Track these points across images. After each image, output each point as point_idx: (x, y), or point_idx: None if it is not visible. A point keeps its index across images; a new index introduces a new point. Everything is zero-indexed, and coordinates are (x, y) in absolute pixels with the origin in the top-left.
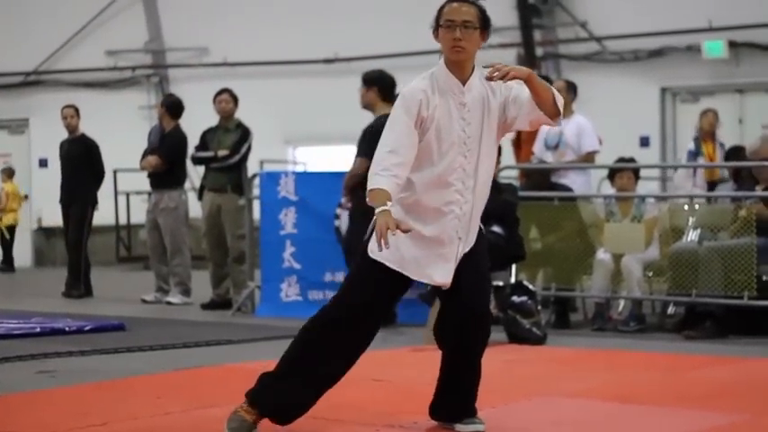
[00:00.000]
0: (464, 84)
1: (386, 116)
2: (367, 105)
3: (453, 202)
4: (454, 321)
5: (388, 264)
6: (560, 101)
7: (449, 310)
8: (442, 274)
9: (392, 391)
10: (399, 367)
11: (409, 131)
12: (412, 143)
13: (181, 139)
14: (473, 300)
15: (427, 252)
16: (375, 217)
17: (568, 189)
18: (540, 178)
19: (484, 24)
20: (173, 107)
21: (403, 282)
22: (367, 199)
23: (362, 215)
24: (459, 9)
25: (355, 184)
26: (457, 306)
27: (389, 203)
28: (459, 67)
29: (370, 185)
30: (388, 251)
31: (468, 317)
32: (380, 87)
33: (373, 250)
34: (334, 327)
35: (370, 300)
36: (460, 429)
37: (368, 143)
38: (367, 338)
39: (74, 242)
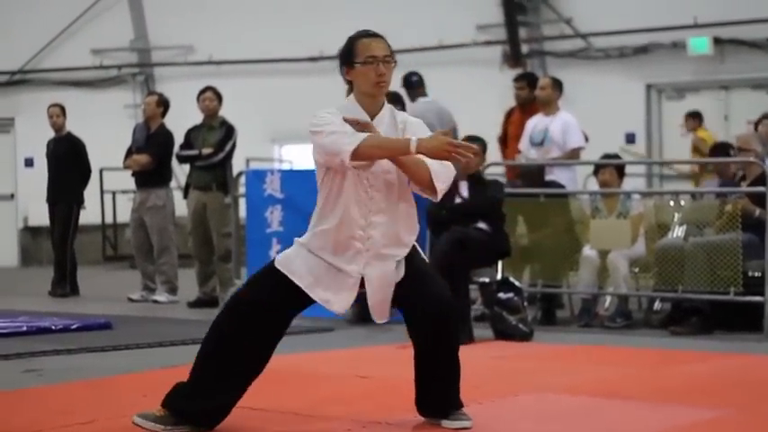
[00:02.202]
0: (373, 118)
1: None
2: None
3: (356, 238)
4: (423, 320)
5: (290, 276)
6: (440, 181)
7: (415, 311)
8: (339, 302)
9: (378, 387)
10: (385, 364)
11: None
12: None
13: (168, 137)
14: (435, 295)
15: (330, 278)
16: (421, 144)
17: (560, 186)
18: (535, 176)
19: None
20: (167, 104)
21: (301, 298)
22: (356, 153)
23: None
24: (377, 45)
25: None
26: (423, 306)
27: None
28: (374, 102)
29: (355, 143)
30: (296, 267)
31: (435, 312)
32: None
33: (280, 263)
34: (228, 324)
35: (265, 300)
36: (447, 426)
37: None
38: (259, 339)
39: (60, 241)
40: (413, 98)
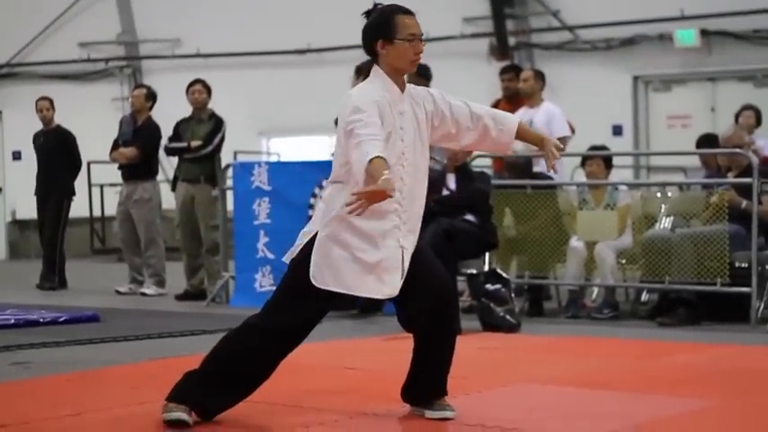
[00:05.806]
0: (402, 92)
1: None
2: None
3: (392, 212)
4: (427, 303)
5: (334, 289)
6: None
7: (422, 294)
8: (390, 285)
9: (365, 379)
10: (371, 356)
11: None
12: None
13: (155, 130)
14: (440, 279)
15: (371, 267)
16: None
17: (547, 177)
18: (522, 168)
19: None
20: (155, 97)
21: (341, 298)
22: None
23: None
24: (415, 23)
25: None
26: (425, 293)
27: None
28: (401, 78)
29: (367, 152)
30: (331, 277)
31: (440, 300)
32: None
33: (316, 278)
34: (262, 339)
35: (302, 324)
36: (430, 416)
37: None
38: (290, 351)
39: (50, 235)
40: None
